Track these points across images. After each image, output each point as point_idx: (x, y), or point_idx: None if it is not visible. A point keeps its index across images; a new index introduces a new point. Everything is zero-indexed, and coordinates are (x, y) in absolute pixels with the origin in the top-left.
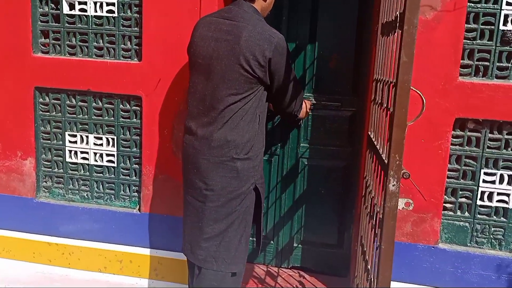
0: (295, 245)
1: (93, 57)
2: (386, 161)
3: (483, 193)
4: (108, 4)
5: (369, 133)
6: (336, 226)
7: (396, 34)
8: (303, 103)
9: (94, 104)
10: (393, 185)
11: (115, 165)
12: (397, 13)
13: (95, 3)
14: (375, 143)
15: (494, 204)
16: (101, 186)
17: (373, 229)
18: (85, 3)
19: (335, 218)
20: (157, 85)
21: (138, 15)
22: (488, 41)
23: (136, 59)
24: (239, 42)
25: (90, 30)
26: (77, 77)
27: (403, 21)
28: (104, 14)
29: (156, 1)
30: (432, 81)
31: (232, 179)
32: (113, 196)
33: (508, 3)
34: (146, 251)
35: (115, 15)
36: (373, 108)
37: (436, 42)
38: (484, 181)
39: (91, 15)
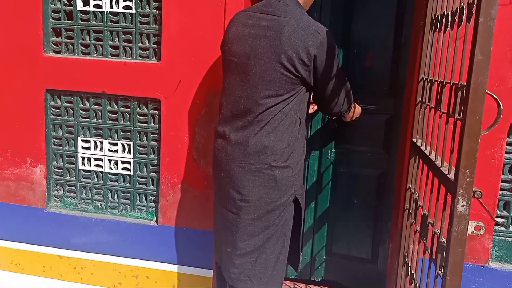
0: (324, 257)
1: (108, 56)
2: (450, 177)
3: None
4: None
5: (414, 139)
6: (369, 239)
7: (459, 27)
8: (353, 105)
9: (109, 107)
10: (463, 206)
11: (131, 173)
12: (462, 4)
13: None
14: (426, 152)
15: None
16: (116, 195)
17: (428, 252)
18: None
19: (368, 231)
20: (177, 87)
21: (157, 11)
22: None
23: (154, 58)
24: (280, 39)
25: (105, 28)
26: (91, 79)
27: (479, 12)
28: (121, 10)
29: None
30: None
31: (270, 189)
32: (128, 206)
33: None
34: (164, 266)
35: (133, 11)
36: (420, 111)
37: None
38: None
39: (107, 12)
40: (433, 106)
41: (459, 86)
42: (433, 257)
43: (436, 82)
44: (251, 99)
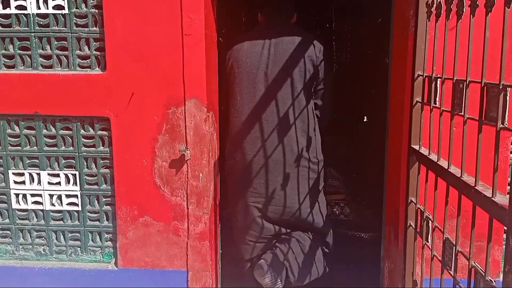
0: None
1: (39, 69)
2: (499, 202)
3: None
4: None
5: (415, 147)
6: None
7: (488, 14)
8: None
9: (45, 131)
10: None
11: (79, 208)
12: None
13: None
14: (443, 165)
15: None
16: (62, 237)
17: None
18: None
19: None
20: (130, 101)
21: (96, 10)
22: None
23: (98, 68)
24: (296, 47)
25: (32, 34)
26: (19, 97)
27: None
28: (51, 11)
29: None
30: None
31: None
32: (79, 249)
33: None
34: None
35: (66, 11)
36: (420, 114)
37: None
38: None
39: (33, 14)
40: (446, 109)
41: (500, 87)
42: None
43: (451, 81)
44: (283, 102)
